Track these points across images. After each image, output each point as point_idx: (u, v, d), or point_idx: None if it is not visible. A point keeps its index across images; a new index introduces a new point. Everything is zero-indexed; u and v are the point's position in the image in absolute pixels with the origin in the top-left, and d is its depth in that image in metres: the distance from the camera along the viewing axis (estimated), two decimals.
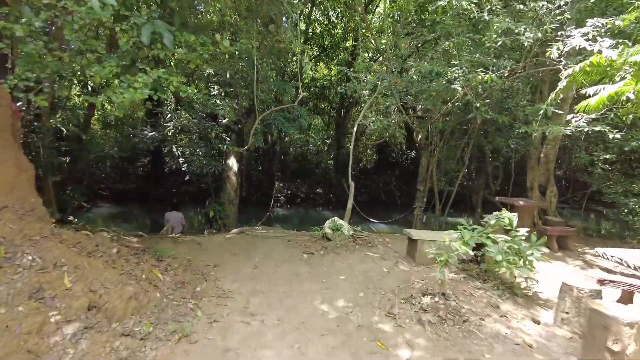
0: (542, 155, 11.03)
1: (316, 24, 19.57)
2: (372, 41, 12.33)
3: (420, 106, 11.95)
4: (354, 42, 18.88)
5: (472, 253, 6.26)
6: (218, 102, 8.92)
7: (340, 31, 19.98)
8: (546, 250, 8.18)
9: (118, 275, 4.31)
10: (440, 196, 11.39)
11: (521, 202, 8.58)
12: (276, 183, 21.01)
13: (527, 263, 5.42)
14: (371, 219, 15.26)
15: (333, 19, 19.33)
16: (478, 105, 7.97)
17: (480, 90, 7.87)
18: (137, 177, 21.50)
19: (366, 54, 17.02)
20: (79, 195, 10.72)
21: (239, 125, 10.91)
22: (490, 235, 5.93)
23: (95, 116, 20.26)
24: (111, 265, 4.48)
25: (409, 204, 21.32)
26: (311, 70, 21.41)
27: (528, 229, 6.05)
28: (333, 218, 7.66)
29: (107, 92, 4.10)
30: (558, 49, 6.59)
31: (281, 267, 6.07)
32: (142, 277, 4.67)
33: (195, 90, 4.73)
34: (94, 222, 14.74)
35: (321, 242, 7.27)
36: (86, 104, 12.18)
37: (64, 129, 9.95)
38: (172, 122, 9.36)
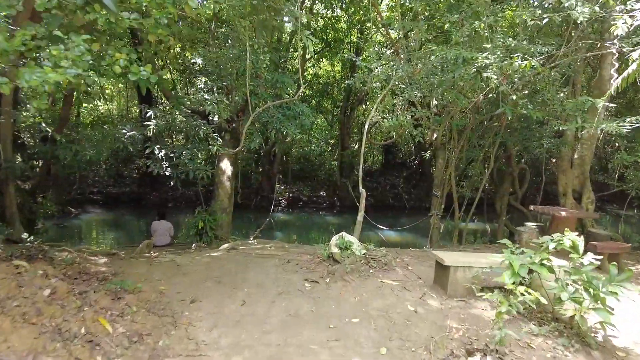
0: (576, 156, 9.61)
1: (319, 17, 18.18)
2: (382, 29, 10.93)
3: (435, 102, 10.54)
4: (359, 35, 17.48)
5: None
6: (206, 96, 7.56)
7: (344, 24, 18.60)
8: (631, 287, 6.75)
9: (34, 337, 2.94)
10: (460, 202, 9.98)
11: (563, 213, 7.17)
12: (277, 186, 19.65)
13: (602, 303, 4.03)
14: (380, 226, 13.87)
15: (337, 11, 17.95)
16: (514, 97, 6.58)
17: (516, 79, 6.47)
18: (132, 181, 20.19)
19: (372, 48, 15.64)
20: (51, 204, 9.36)
21: (234, 125, 9.54)
22: (546, 261, 4.52)
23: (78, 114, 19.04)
24: (30, 319, 3.11)
25: (417, 208, 19.96)
26: (314, 67, 20.07)
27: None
28: (341, 234, 6.28)
29: (18, 73, 2.74)
30: (625, 22, 5.18)
31: (276, 303, 4.68)
32: (80, 333, 3.29)
33: (169, 78, 3.46)
34: (73, 232, 13.45)
35: (327, 264, 5.88)
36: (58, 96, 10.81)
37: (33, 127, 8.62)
38: (154, 121, 8.01)
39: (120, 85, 20.41)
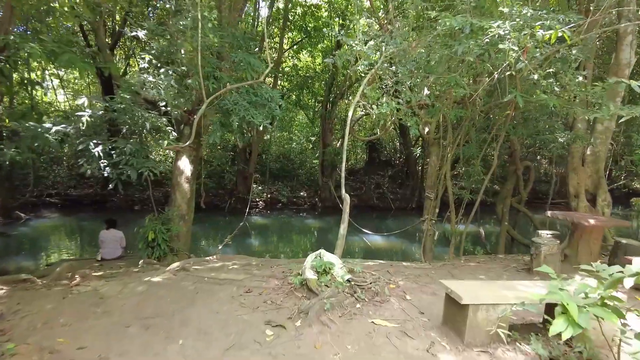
0: (588, 152, 8.29)
1: (297, 6, 16.62)
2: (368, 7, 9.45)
3: (427, 90, 9.17)
4: (341, 23, 15.99)
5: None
6: (150, 78, 5.96)
7: (325, 13, 17.10)
8: None
9: None
10: (457, 205, 8.58)
11: (592, 221, 5.78)
12: (254, 186, 18.04)
13: None
14: (365, 230, 12.42)
15: None
16: (536, 77, 5.17)
17: (537, 54, 5.05)
18: (97, 181, 18.29)
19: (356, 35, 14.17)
20: None
21: (195, 116, 7.93)
22: (614, 302, 3.08)
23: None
24: None
25: (404, 209, 18.61)
26: (292, 58, 18.52)
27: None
28: (318, 253, 4.78)
29: None
30: None
31: None
32: None
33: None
34: (12, 243, 11.59)
35: (299, 295, 4.35)
36: None
37: None
38: (88, 111, 6.36)
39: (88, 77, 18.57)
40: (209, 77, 6.54)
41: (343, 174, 5.17)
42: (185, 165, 8.25)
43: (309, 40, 17.49)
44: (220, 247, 10.67)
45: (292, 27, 17.30)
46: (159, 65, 6.64)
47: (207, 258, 6.83)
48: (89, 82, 19.70)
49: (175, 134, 7.71)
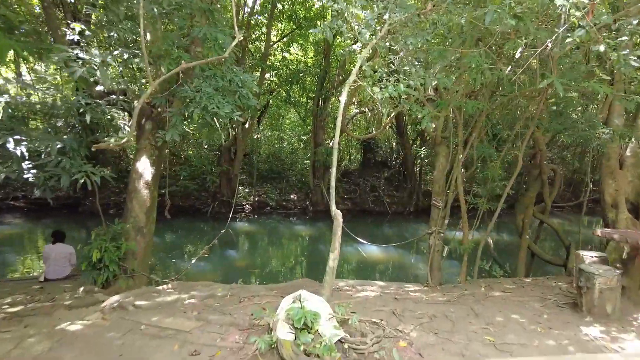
0: (628, 152, 6.87)
1: None
2: None
3: (434, 81, 7.75)
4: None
5: None
6: (80, 54, 4.45)
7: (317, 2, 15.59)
8: None
9: None
10: (470, 215, 7.14)
11: None
12: (240, 188, 16.52)
13: None
14: (360, 240, 10.94)
15: None
16: (602, 49, 3.72)
17: (605, 15, 3.61)
18: (70, 183, 16.65)
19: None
20: None
21: (159, 108, 6.41)
22: None
23: None
24: None
25: (400, 214, 17.15)
26: (282, 50, 17.00)
27: None
28: (297, 296, 3.30)
29: None
30: None
31: None
32: None
33: None
34: None
35: None
36: None
37: None
38: (4, 97, 4.84)
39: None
40: (164, 57, 5.03)
41: (333, 183, 3.68)
42: (145, 167, 6.72)
43: (299, 31, 16.00)
44: (193, 262, 9.16)
45: (282, 17, 15.79)
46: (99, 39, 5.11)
47: (159, 288, 5.30)
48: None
49: (128, 129, 6.18)
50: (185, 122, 5.81)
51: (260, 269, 9.73)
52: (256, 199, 16.42)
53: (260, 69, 14.41)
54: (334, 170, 3.66)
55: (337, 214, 3.55)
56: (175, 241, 12.15)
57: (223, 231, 12.25)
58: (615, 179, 6.76)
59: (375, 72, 4.01)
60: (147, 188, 6.74)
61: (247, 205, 16.23)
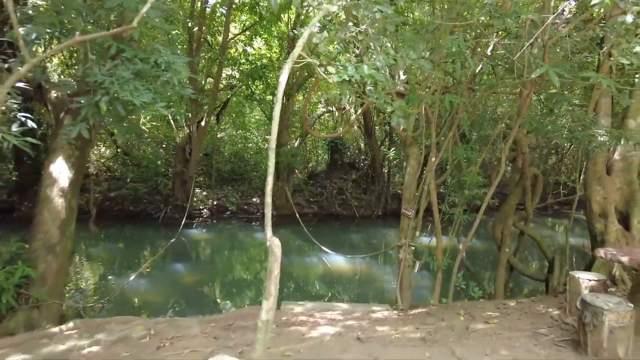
0: (616, 157, 6.16)
1: None
2: None
3: (403, 75, 7.01)
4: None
5: None
6: None
7: None
8: None
9: None
10: (443, 225, 6.28)
11: None
12: (198, 191, 15.21)
13: None
14: (325, 249, 9.94)
15: None
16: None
17: None
18: (4, 186, 14.85)
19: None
20: None
21: (82, 101, 5.15)
22: None
23: None
24: None
25: (368, 218, 16.24)
26: (241, 43, 15.78)
27: None
28: None
29: None
30: None
31: None
32: None
33: None
34: None
35: None
36: None
37: None
38: None
39: None
40: (54, 24, 3.83)
41: (269, 199, 2.61)
42: (60, 170, 5.45)
43: (261, 24, 14.86)
44: (131, 279, 7.88)
45: (243, 8, 14.61)
46: None
47: (55, 330, 4.09)
48: None
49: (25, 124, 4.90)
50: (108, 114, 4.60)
51: (211, 286, 8.54)
52: (215, 202, 15.15)
53: (218, 63, 13.16)
54: (269, 183, 2.61)
55: (274, 244, 2.50)
56: (119, 253, 10.77)
57: (173, 240, 10.95)
58: (603, 186, 6.03)
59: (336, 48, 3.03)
60: (62, 196, 5.47)
61: (204, 210, 14.94)
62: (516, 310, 4.84)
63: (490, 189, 5.60)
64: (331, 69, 2.80)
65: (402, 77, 7.35)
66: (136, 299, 7.46)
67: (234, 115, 18.57)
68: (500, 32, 6.69)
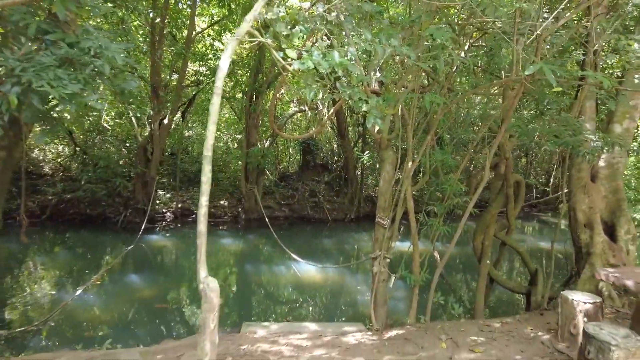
0: (601, 164, 5.79)
1: None
2: None
3: (378, 73, 6.47)
4: None
5: None
6: None
7: None
8: None
9: None
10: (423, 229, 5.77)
11: None
12: (161, 193, 14.28)
13: None
14: (295, 257, 9.31)
15: None
16: None
17: None
18: None
19: None
20: None
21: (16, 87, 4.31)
22: None
23: None
24: None
25: (341, 221, 15.68)
26: (212, 38, 14.94)
27: None
28: None
29: None
30: None
31: None
32: None
33: None
34: None
35: None
36: None
37: None
38: None
39: None
40: None
41: (202, 220, 1.96)
42: None
43: (231, 18, 14.05)
44: (77, 294, 7.01)
45: (211, 2, 13.77)
46: None
47: None
48: None
49: None
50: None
51: (169, 301, 7.73)
52: (179, 205, 14.24)
53: (182, 58, 12.30)
54: (202, 205, 1.95)
55: (209, 288, 1.82)
56: (70, 261, 9.78)
57: (129, 248, 10.12)
58: (588, 194, 5.64)
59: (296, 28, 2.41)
60: None
61: (168, 213, 14.02)
62: (502, 334, 4.35)
63: (472, 197, 5.11)
64: (291, 53, 2.18)
65: (378, 74, 6.81)
66: (80, 319, 6.61)
67: (201, 113, 17.65)
68: (480, 31, 6.23)
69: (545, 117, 4.58)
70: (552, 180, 20.01)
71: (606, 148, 4.19)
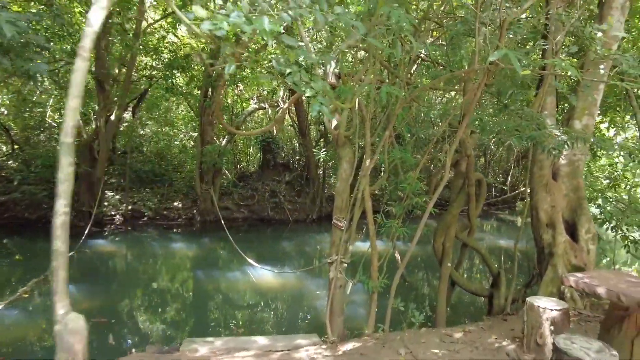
0: (562, 161, 5.60)
1: None
2: None
3: (334, 63, 6.11)
4: None
5: None
6: None
7: None
8: None
9: None
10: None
11: None
12: (110, 195, 13.29)
13: None
14: (251, 262, 8.74)
15: None
16: None
17: None
18: None
19: None
20: None
21: None
22: None
23: None
24: None
25: (303, 222, 15.21)
26: (166, 31, 14.06)
27: None
28: None
29: None
30: None
31: None
32: None
33: None
34: None
35: None
36: None
37: None
38: None
39: None
40: None
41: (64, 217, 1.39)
42: None
43: (188, 10, 13.23)
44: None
45: None
46: None
47: None
48: None
49: None
50: None
51: (111, 316, 6.93)
52: (129, 207, 13.29)
53: (131, 49, 11.41)
54: (58, 213, 1.52)
55: (66, 329, 1.10)
56: (3, 272, 8.78)
57: (70, 254, 9.16)
58: (550, 193, 5.43)
59: None
60: None
61: (117, 216, 13.05)
62: (465, 345, 3.99)
63: (432, 197, 4.76)
64: (199, 11, 1.67)
65: (334, 66, 6.38)
66: (4, 335, 5.79)
67: (155, 109, 16.68)
68: (440, 28, 5.93)
69: (508, 110, 4.27)
70: (509, 179, 20.37)
71: (572, 142, 3.91)
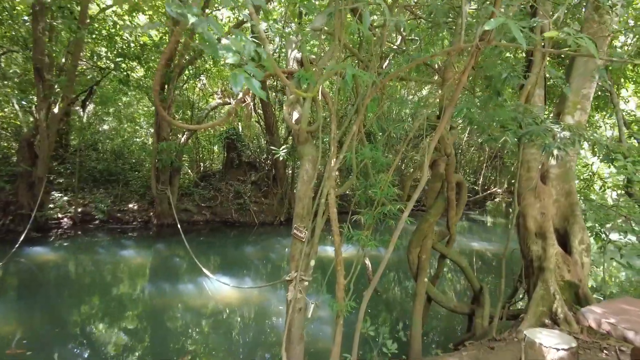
0: (552, 162, 4.91)
1: None
2: None
3: (297, 51, 5.21)
4: None
5: None
6: None
7: None
8: None
9: None
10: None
11: None
12: (58, 196, 11.96)
13: None
14: (208, 274, 7.80)
15: None
16: None
17: None
18: None
19: None
20: None
21: None
22: None
23: None
24: None
25: (270, 225, 14.26)
26: (115, 15, 12.78)
27: None
28: None
29: None
30: None
31: None
32: None
33: None
34: None
35: None
36: None
37: None
38: None
39: None
40: None
41: None
42: None
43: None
44: None
45: None
46: None
47: None
48: None
49: None
50: None
51: (27, 339, 5.81)
52: (79, 209, 12.00)
53: (76, 35, 10.14)
54: None
55: None
56: None
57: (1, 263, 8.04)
58: (540, 198, 4.73)
59: None
60: None
61: (65, 219, 11.74)
62: None
63: (408, 205, 3.95)
64: None
65: (295, 53, 5.54)
66: None
67: (111, 104, 15.32)
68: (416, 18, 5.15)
69: (500, 100, 3.51)
70: (481, 179, 20.05)
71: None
